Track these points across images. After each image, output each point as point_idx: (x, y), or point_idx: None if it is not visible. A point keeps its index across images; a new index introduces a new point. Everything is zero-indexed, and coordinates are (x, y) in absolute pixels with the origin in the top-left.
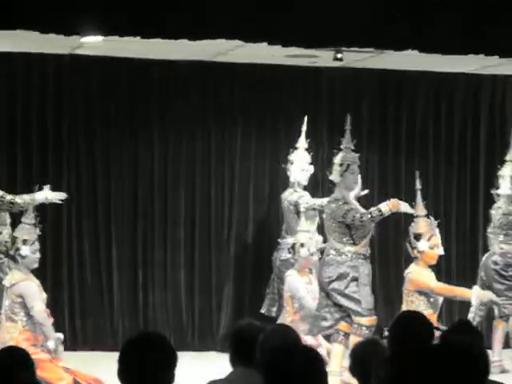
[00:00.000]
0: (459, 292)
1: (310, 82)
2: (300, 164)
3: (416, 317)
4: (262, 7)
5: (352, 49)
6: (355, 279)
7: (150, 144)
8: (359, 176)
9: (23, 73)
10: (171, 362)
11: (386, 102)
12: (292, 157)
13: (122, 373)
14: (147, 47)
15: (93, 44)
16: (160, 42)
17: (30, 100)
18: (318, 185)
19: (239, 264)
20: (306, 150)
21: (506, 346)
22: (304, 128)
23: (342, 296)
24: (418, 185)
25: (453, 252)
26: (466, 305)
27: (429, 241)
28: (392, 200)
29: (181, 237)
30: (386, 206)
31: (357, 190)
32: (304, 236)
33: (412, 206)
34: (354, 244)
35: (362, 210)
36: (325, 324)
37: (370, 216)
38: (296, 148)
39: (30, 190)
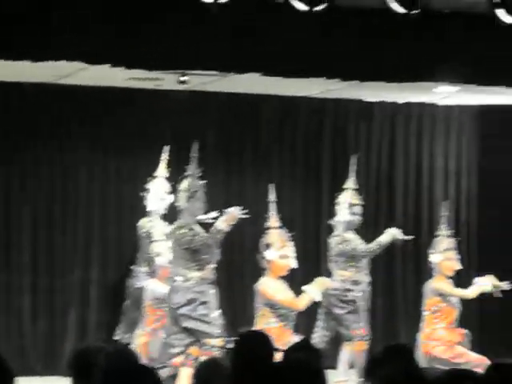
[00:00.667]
0: (303, 302)
1: (154, 105)
2: (158, 193)
3: (256, 336)
4: (106, 32)
5: (196, 72)
6: (204, 303)
7: None
8: (204, 203)
9: None
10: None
11: (232, 125)
12: (149, 185)
13: None
14: None
15: None
16: (4, 63)
17: None
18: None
19: (85, 289)
20: (167, 178)
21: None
22: (164, 156)
23: (192, 319)
24: (272, 197)
25: (295, 277)
26: None
27: (279, 251)
28: (227, 213)
29: (24, 260)
30: (222, 222)
31: (203, 216)
32: (160, 245)
33: (265, 219)
34: (201, 269)
35: (206, 235)
36: (174, 351)
37: (212, 238)
38: (154, 176)
39: None
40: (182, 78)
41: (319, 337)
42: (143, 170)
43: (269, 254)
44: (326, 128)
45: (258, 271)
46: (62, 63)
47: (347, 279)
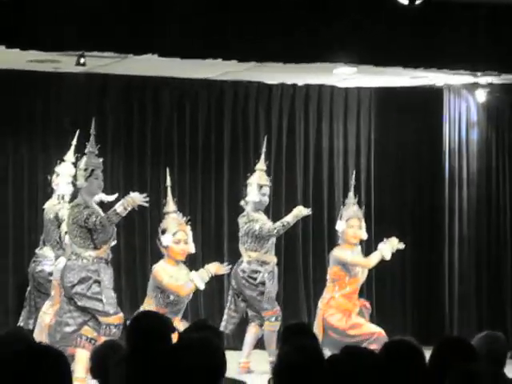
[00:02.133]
0: (186, 289)
1: (52, 87)
2: (65, 177)
3: (152, 315)
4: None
5: (95, 53)
6: (97, 281)
7: None
8: (102, 181)
9: None
10: None
11: (131, 108)
12: (58, 169)
13: None
14: None
15: None
16: None
17: None
18: None
19: None
20: (73, 163)
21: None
22: (74, 142)
23: (87, 298)
24: (168, 182)
25: (198, 258)
26: None
27: (174, 236)
28: (128, 197)
29: None
30: (121, 206)
31: (102, 196)
32: None
33: (163, 204)
34: (96, 248)
35: (102, 215)
36: (68, 329)
37: (108, 219)
38: (64, 160)
39: None
40: (81, 60)
41: (228, 319)
42: (45, 153)
43: (164, 240)
44: (226, 110)
45: (160, 256)
46: None
47: (254, 260)
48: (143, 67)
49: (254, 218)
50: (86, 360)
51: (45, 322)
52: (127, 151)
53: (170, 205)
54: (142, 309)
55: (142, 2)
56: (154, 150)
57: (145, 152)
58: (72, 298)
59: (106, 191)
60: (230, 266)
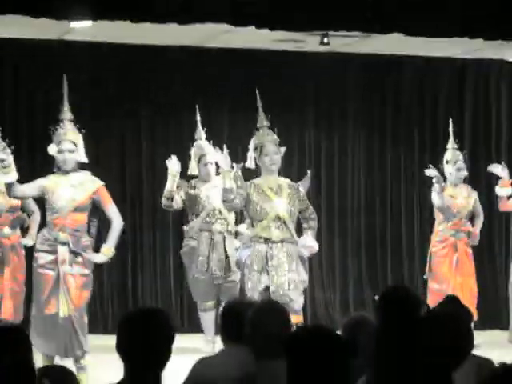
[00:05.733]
0: None
1: (296, 66)
2: None
3: (403, 288)
4: None
5: (338, 33)
6: None
7: (138, 128)
8: None
9: (11, 59)
10: (171, 338)
11: (371, 87)
12: None
13: (121, 347)
14: (137, 33)
15: (82, 29)
16: (149, 27)
17: (18, 86)
18: None
19: None
20: None
21: None
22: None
23: None
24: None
25: None
26: None
27: None
28: None
29: (169, 221)
30: None
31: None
32: None
33: None
34: None
35: None
36: None
37: None
38: None
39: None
40: (325, 40)
41: None
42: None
43: None
44: (467, 89)
45: None
46: (207, 26)
47: None
48: (386, 45)
49: None
50: None
51: None
52: (369, 131)
53: None
54: None
55: None
56: (394, 129)
57: (385, 132)
58: None
59: None
60: None
